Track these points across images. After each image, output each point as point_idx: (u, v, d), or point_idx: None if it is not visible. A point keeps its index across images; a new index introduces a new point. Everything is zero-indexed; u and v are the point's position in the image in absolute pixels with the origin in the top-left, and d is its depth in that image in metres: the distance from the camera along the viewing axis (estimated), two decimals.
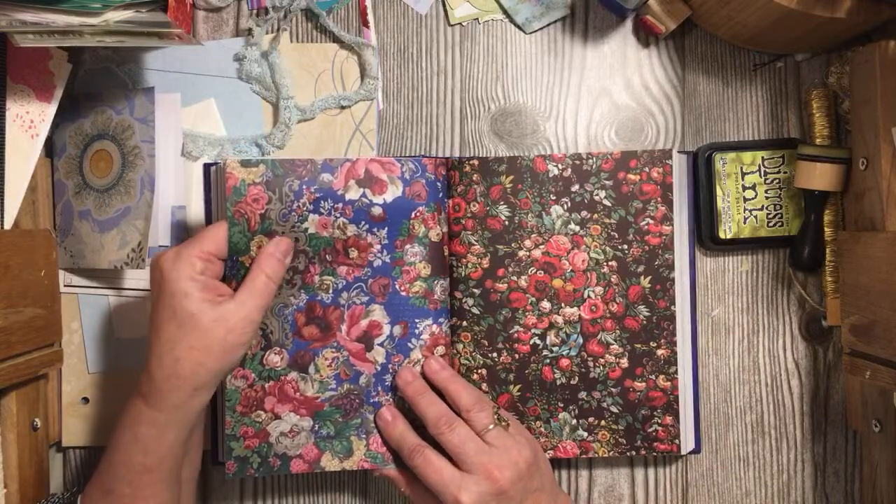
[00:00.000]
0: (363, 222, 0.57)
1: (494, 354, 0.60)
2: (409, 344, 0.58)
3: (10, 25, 0.50)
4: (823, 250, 0.62)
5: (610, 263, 0.60)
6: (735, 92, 0.64)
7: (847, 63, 0.60)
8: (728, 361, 0.64)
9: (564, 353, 0.60)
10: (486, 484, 0.52)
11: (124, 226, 0.60)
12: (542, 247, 0.60)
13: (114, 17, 0.56)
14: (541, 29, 0.64)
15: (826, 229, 0.61)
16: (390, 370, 0.58)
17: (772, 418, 0.64)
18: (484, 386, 0.60)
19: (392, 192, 0.57)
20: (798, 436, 0.64)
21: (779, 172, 0.62)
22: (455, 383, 0.57)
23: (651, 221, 0.59)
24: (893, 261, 0.53)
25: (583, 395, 0.60)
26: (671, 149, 0.61)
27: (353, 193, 0.56)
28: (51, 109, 0.60)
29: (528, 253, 0.60)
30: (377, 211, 0.57)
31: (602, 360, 0.60)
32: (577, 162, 0.59)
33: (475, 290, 0.60)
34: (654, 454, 0.61)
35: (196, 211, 0.63)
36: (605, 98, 0.64)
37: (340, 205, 0.56)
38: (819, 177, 0.59)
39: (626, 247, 0.59)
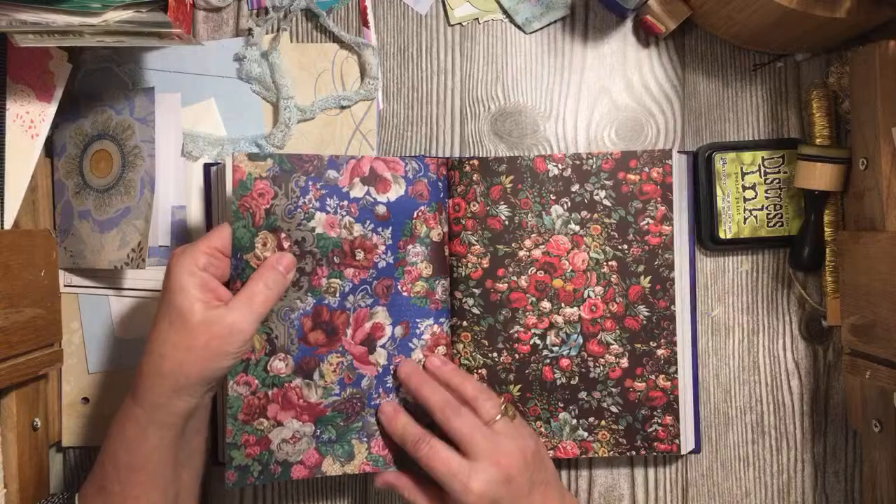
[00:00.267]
0: (368, 221, 0.56)
1: (494, 354, 0.60)
2: (411, 344, 0.58)
3: (10, 25, 0.50)
4: (823, 250, 0.62)
5: (610, 263, 0.60)
6: (735, 92, 0.64)
7: (847, 63, 0.61)
8: (728, 361, 0.64)
9: (564, 353, 0.60)
10: (494, 471, 0.52)
11: (124, 226, 0.60)
12: (542, 247, 0.60)
13: (114, 17, 0.56)
14: (541, 29, 0.64)
15: (826, 229, 0.61)
16: (391, 371, 0.58)
17: (772, 418, 0.64)
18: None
19: (395, 191, 0.57)
20: (798, 436, 0.64)
21: (779, 172, 0.62)
22: (458, 376, 0.57)
23: (651, 221, 0.59)
24: (893, 261, 0.53)
25: (583, 395, 0.60)
26: (671, 149, 0.61)
27: (358, 191, 0.56)
28: (51, 109, 0.60)
29: (528, 253, 0.60)
30: (381, 210, 0.56)
31: (602, 360, 0.60)
32: (577, 162, 0.59)
33: (475, 290, 0.60)
34: (654, 454, 0.61)
35: (196, 211, 0.63)
36: (605, 98, 0.64)
37: (346, 202, 0.55)
38: (819, 177, 0.59)
39: (626, 247, 0.59)
